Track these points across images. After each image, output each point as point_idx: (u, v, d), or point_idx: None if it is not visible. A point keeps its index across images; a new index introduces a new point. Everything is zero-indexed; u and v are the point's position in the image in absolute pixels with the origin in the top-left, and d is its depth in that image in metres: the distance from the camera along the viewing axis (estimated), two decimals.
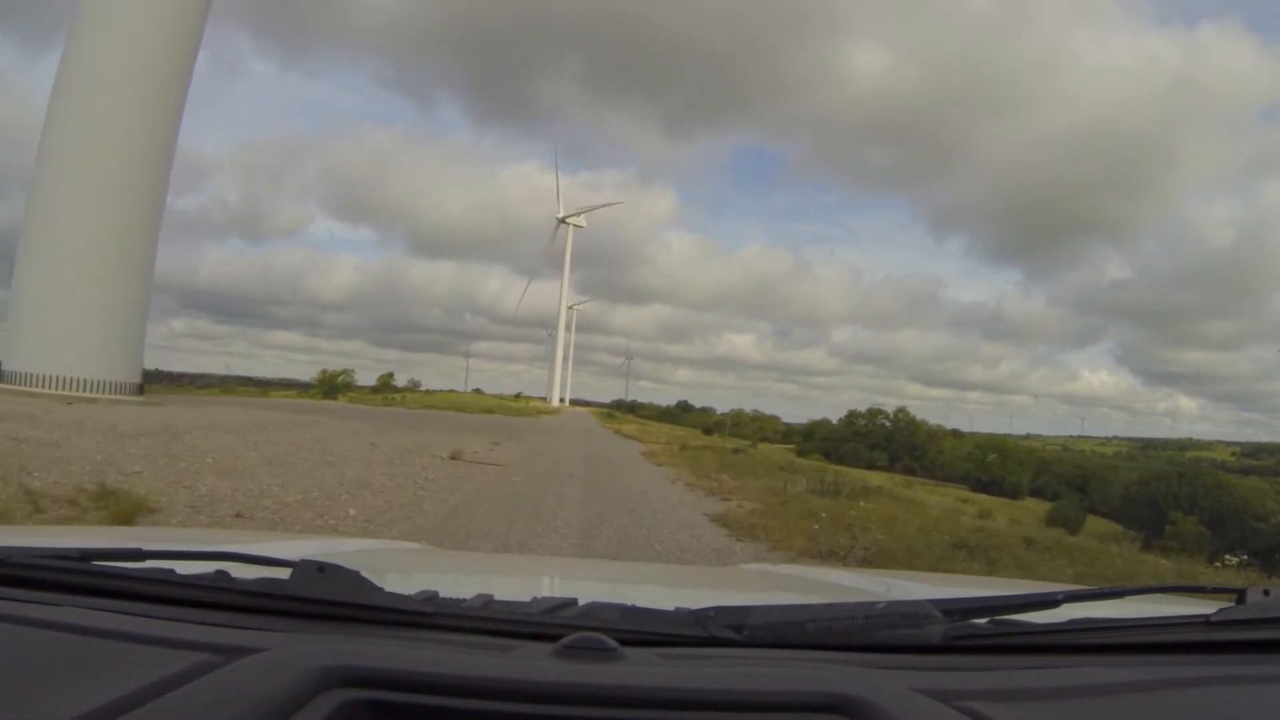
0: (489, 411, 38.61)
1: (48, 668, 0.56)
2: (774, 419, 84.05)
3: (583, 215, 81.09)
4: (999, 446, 50.76)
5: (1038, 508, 33.75)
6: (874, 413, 61.27)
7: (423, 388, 64.16)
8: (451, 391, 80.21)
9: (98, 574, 0.74)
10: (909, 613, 0.72)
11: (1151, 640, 0.74)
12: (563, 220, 79.54)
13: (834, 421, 64.67)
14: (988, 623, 0.73)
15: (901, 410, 60.97)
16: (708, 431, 56.02)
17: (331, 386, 38.66)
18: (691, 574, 2.69)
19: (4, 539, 0.91)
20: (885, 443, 57.01)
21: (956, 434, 65.69)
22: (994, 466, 46.30)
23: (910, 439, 56.86)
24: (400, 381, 58.21)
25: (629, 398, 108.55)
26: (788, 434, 75.58)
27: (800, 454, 49.33)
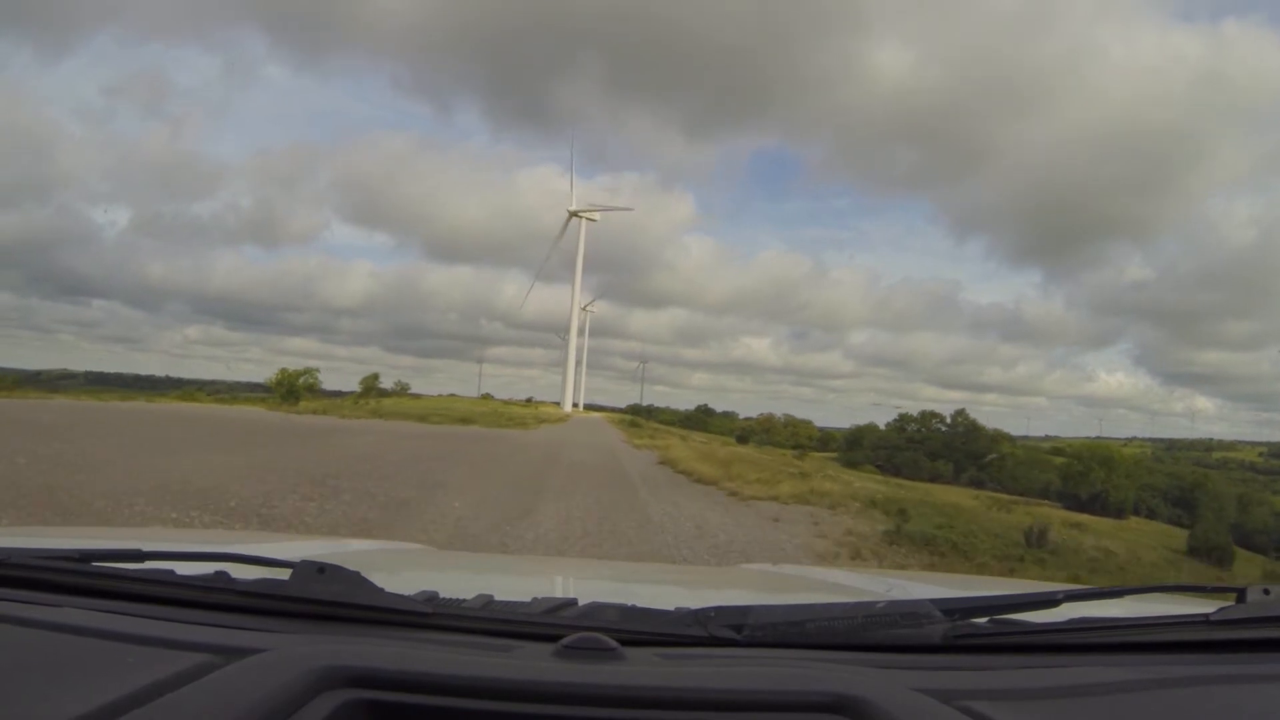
0: (465, 421, 31.88)
1: (48, 668, 0.63)
2: (807, 424, 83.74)
3: (596, 210, 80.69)
4: (1101, 454, 47.53)
5: (1149, 528, 32.06)
6: (928, 416, 60.36)
7: (412, 391, 64.45)
8: (452, 396, 79.81)
9: (98, 574, 0.84)
10: (909, 612, 0.80)
11: (1151, 639, 0.82)
12: (575, 214, 79.29)
13: (881, 426, 63.87)
14: (988, 622, 0.81)
15: (960, 412, 59.78)
16: (741, 440, 55.28)
17: (291, 389, 37.24)
18: (692, 574, 2.79)
19: (4, 539, 1.02)
20: (945, 450, 56.28)
21: (1009, 440, 64.04)
22: (1098, 480, 44.48)
23: (971, 445, 55.90)
24: (401, 387, 58.17)
25: (644, 402, 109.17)
26: (824, 440, 75.08)
27: (849, 464, 48.13)
